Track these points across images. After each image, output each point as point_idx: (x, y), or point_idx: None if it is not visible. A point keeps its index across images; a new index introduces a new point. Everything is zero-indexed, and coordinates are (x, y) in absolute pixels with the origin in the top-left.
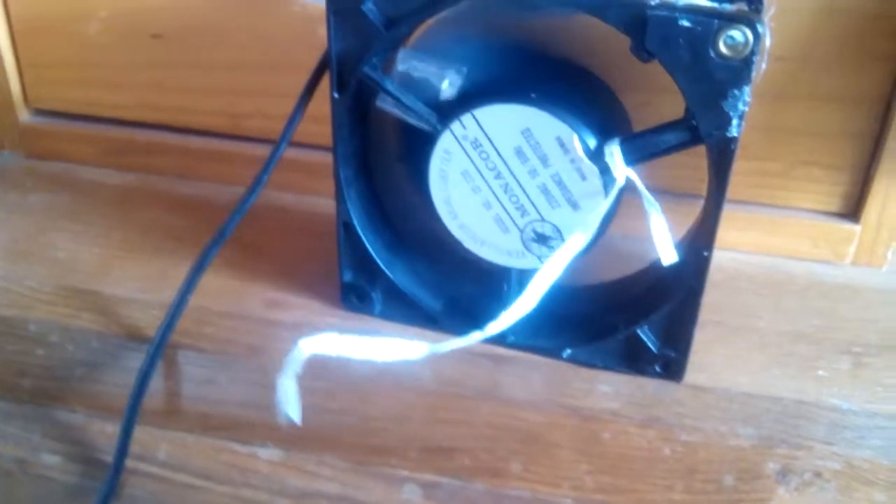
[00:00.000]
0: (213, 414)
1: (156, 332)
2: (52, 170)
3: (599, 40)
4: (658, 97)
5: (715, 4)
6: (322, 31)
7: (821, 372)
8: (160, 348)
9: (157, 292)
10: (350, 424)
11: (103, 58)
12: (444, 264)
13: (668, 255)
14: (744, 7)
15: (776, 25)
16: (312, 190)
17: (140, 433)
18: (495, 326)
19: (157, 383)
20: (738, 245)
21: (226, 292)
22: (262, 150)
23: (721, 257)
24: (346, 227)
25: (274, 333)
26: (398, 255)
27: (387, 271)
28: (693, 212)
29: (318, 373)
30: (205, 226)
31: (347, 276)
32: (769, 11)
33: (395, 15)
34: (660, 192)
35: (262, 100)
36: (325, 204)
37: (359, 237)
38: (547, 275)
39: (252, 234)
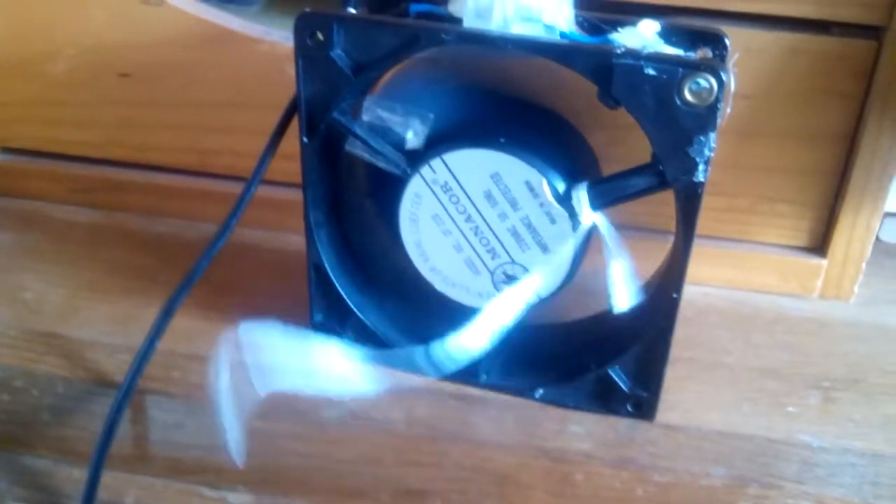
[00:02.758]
0: (183, 458)
1: (123, 379)
2: (20, 208)
3: (566, 81)
4: (625, 134)
5: (680, 51)
6: (290, 70)
7: (790, 408)
8: (128, 395)
9: (124, 335)
10: (320, 467)
11: (71, 96)
12: (415, 305)
13: (623, 303)
14: (708, 53)
15: (741, 65)
16: (282, 227)
17: (108, 478)
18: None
19: (124, 428)
20: (708, 280)
21: (194, 334)
22: (231, 188)
23: (691, 292)
24: (317, 268)
25: (244, 375)
26: (369, 296)
27: (358, 313)
28: (663, 247)
29: (286, 415)
30: (173, 264)
31: (318, 318)
32: (733, 57)
33: (363, 61)
34: (630, 228)
35: (231, 137)
36: (295, 241)
37: (329, 279)
38: (495, 312)
39: (221, 273)
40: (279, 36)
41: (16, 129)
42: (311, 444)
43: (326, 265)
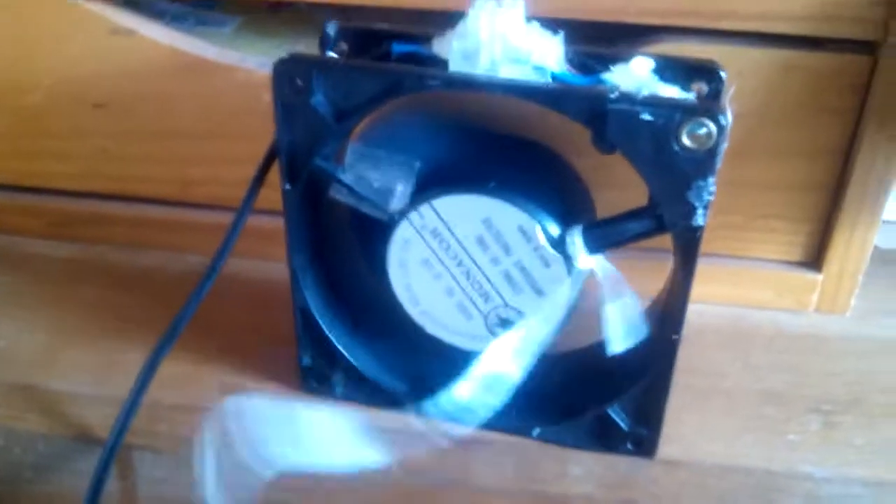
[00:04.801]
0: None
1: (108, 436)
2: None
3: (556, 115)
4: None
5: (676, 88)
6: (267, 97)
7: (791, 436)
8: (112, 455)
9: (105, 385)
10: None
11: (46, 128)
12: (406, 347)
13: (618, 346)
14: (703, 87)
15: (734, 83)
16: (264, 255)
17: None
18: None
19: (110, 484)
20: (704, 297)
21: (178, 381)
22: (215, 218)
23: (688, 310)
24: (303, 312)
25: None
26: (359, 338)
27: (347, 356)
28: (662, 267)
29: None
30: (157, 302)
31: (306, 361)
32: (730, 90)
33: (345, 107)
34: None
35: (213, 167)
36: (278, 270)
37: (317, 323)
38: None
39: (203, 309)
40: (255, 63)
41: None
42: (304, 497)
43: (313, 309)
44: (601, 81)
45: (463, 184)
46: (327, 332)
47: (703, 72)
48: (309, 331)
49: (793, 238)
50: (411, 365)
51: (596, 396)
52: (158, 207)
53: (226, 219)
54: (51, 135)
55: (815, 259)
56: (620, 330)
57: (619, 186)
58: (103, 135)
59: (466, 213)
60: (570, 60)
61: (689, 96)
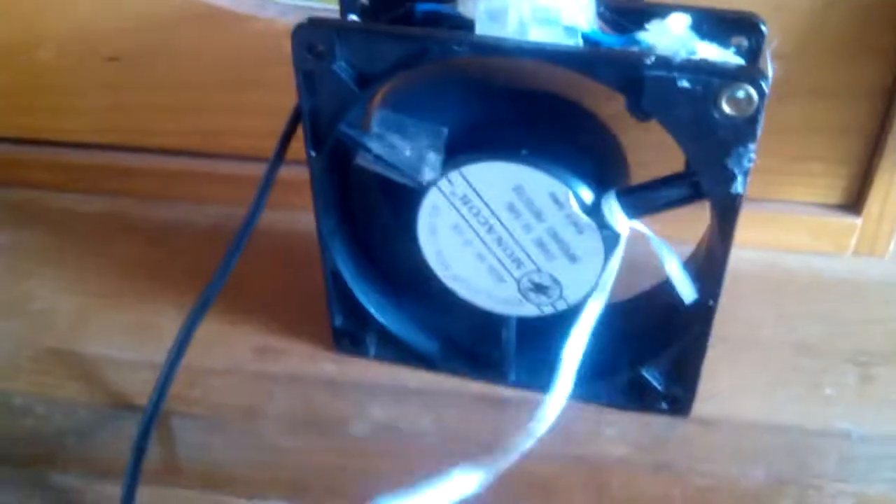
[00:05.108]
0: (213, 473)
1: (146, 403)
2: (17, 199)
3: None
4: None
5: (716, 47)
6: (288, 47)
7: (828, 390)
8: (151, 422)
9: (140, 350)
10: (353, 478)
11: (60, 83)
12: (437, 308)
13: (689, 296)
14: (744, 42)
15: (773, 22)
16: (292, 206)
17: (141, 493)
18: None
19: (151, 449)
20: (738, 241)
21: (211, 343)
22: (238, 168)
23: None
24: (334, 275)
25: (267, 389)
26: (390, 299)
27: (379, 318)
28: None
29: (314, 431)
30: (184, 258)
31: (338, 322)
32: (771, 45)
33: (368, 72)
34: None
35: (234, 118)
36: (305, 220)
37: (347, 286)
38: (573, 353)
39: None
40: (274, 11)
41: (6, 118)
42: (342, 457)
43: (343, 272)
44: (636, 42)
45: (493, 149)
46: (358, 295)
47: (743, 25)
48: (340, 293)
49: (832, 181)
50: (443, 326)
51: (630, 357)
52: (181, 159)
53: (250, 169)
54: (65, 90)
55: (854, 202)
56: (687, 282)
57: (656, 148)
58: (119, 88)
59: (497, 180)
60: (602, 15)
61: (729, 53)
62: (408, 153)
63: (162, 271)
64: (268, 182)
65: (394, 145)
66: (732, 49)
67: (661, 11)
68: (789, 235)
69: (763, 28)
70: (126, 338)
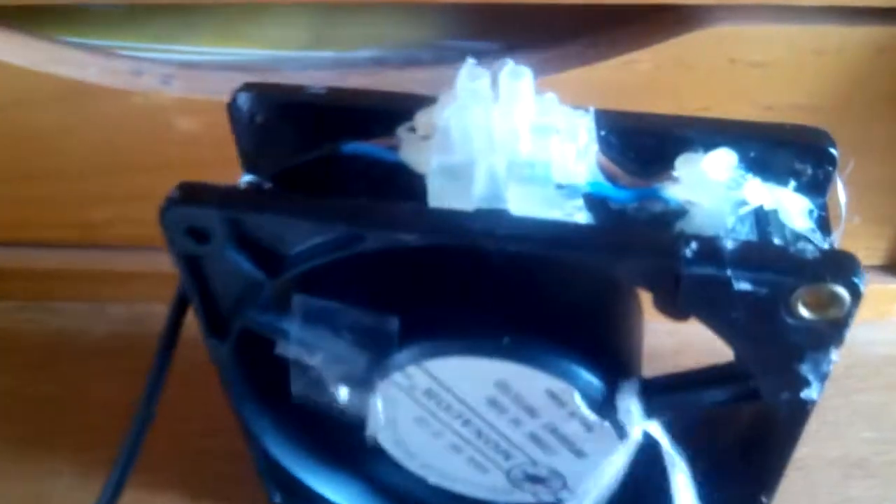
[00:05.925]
0: None
1: None
2: None
3: None
4: None
5: (774, 189)
6: (177, 122)
7: None
8: None
9: None
10: None
11: None
12: (407, 482)
13: None
14: (807, 171)
15: (811, 70)
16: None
17: None
18: None
19: None
20: None
21: None
22: (129, 258)
23: None
24: (265, 456)
25: None
26: (342, 471)
27: (329, 496)
28: None
29: None
30: (82, 398)
31: (278, 499)
32: (846, 170)
33: (282, 251)
34: None
35: (117, 206)
36: None
37: (281, 466)
38: None
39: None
40: (153, 79)
41: None
42: None
43: (276, 455)
44: (659, 199)
45: (463, 338)
46: (299, 474)
47: (807, 151)
48: (275, 473)
49: (874, 242)
50: (415, 499)
51: None
52: (62, 252)
53: (140, 260)
54: None
55: None
56: (691, 498)
57: None
58: None
59: (471, 375)
60: (605, 141)
61: (788, 192)
62: (337, 361)
63: (55, 410)
64: (156, 386)
65: (319, 347)
66: (793, 184)
67: (690, 136)
68: None
69: (833, 151)
70: None
